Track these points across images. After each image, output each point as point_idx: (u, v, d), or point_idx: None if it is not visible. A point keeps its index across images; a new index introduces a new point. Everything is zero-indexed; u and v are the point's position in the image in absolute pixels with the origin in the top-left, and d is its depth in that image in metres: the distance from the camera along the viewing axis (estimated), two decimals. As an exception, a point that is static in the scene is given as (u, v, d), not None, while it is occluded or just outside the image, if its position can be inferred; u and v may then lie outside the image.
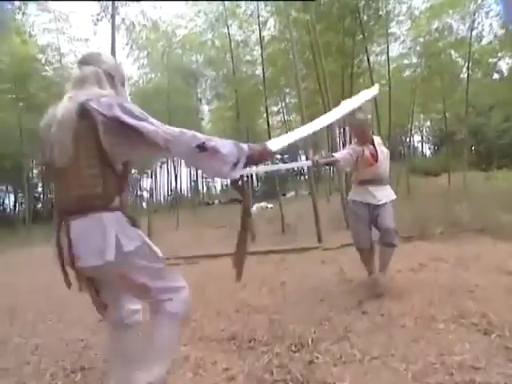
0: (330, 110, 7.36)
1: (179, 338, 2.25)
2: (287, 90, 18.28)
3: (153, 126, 1.18)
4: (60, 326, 2.89)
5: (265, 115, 16.77)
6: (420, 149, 34.68)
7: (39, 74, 14.39)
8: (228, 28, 8.54)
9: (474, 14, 9.89)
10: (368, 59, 8.82)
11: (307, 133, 1.76)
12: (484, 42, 11.17)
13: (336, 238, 6.03)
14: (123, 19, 11.85)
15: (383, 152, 2.98)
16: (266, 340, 2.11)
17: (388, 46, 9.74)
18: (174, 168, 25.24)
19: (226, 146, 1.24)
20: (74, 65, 15.34)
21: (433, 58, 10.99)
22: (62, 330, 2.76)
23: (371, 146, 2.94)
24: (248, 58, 12.78)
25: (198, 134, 1.21)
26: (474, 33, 10.39)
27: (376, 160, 2.91)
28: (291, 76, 13.05)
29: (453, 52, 11.64)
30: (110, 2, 6.49)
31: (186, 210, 17.45)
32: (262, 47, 8.62)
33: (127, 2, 9.51)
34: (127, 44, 12.57)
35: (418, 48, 11.34)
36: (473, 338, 1.84)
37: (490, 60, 12.18)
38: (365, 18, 8.21)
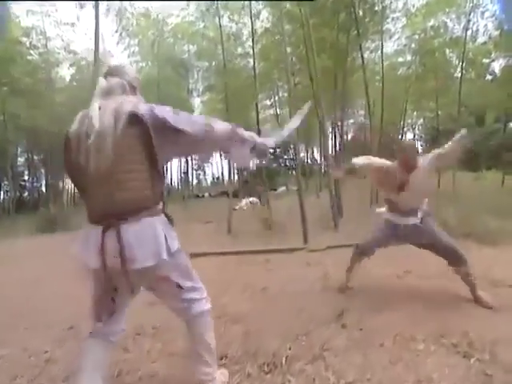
0: (320, 106, 7.35)
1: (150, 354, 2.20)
2: (280, 84, 18.12)
3: (200, 125, 1.28)
4: (28, 333, 2.74)
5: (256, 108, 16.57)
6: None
7: (23, 58, 13.87)
8: (219, 19, 8.27)
9: (470, 14, 9.79)
10: (362, 56, 8.66)
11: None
12: (478, 42, 11.11)
13: (323, 238, 5.97)
14: (108, 6, 11.56)
15: (422, 183, 2.61)
16: (238, 357, 2.01)
17: (382, 43, 9.63)
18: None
19: (249, 134, 1.43)
20: (61, 50, 14.96)
21: (427, 56, 10.90)
22: (29, 337, 2.63)
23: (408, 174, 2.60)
24: (240, 50, 12.57)
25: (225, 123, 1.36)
26: (468, 33, 10.33)
27: (402, 189, 2.62)
28: (284, 70, 12.92)
29: (448, 51, 11.56)
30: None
31: (176, 202, 17.24)
32: (253, 40, 8.40)
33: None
34: (116, 31, 12.20)
35: (413, 46, 11.24)
36: (452, 362, 1.77)
37: (483, 60, 12.16)
38: (360, 13, 8.03)
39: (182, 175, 26.37)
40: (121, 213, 1.22)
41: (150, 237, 1.23)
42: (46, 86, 14.33)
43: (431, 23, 10.24)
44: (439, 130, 15.10)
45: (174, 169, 24.19)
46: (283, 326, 2.42)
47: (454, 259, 2.63)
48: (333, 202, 6.50)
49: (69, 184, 28.45)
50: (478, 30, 10.25)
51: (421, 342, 1.99)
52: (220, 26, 8.16)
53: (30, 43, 14.21)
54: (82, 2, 6.86)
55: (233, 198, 13.76)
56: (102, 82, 1.39)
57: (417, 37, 10.72)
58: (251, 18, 7.89)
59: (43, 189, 23.10)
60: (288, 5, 7.47)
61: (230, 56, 11.81)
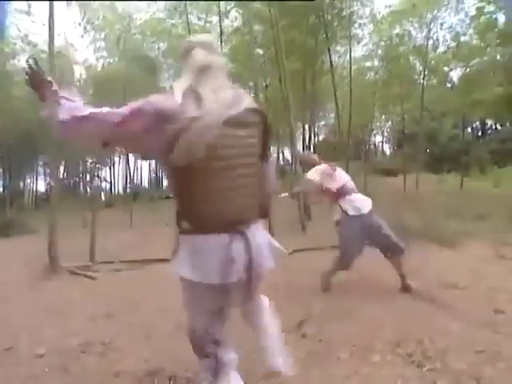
0: (289, 108, 7.34)
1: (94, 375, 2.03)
2: (251, 85, 18.11)
3: None
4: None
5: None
6: (381, 148, 36.20)
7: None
8: (187, 17, 8.05)
9: (430, 24, 10.24)
10: (330, 59, 8.79)
11: None
12: (439, 51, 11.66)
13: (291, 242, 5.94)
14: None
15: None
16: (187, 378, 1.88)
17: (350, 48, 9.82)
18: (135, 159, 24.14)
19: None
20: (17, 40, 13.96)
21: (393, 62, 11.28)
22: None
23: None
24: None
25: None
26: (430, 42, 10.80)
27: None
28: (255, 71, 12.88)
29: (411, 58, 12.03)
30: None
31: (145, 203, 16.73)
32: (221, 40, 8.25)
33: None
34: (80, 24, 11.60)
35: (380, 52, 11.58)
36: (406, 373, 1.75)
37: (444, 69, 12.78)
38: (329, 17, 8.14)
39: (153, 175, 25.73)
40: (246, 217, 1.12)
41: (266, 239, 1.21)
42: (2, 79, 13.35)
43: (396, 31, 10.63)
44: (405, 133, 15.71)
45: (145, 169, 23.49)
46: (239, 338, 2.32)
47: (392, 249, 2.94)
48: (300, 204, 6.49)
49: (31, 185, 26.90)
50: (438, 40, 10.82)
51: (377, 353, 1.97)
52: (188, 24, 7.94)
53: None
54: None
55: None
56: (200, 55, 1.12)
57: (383, 43, 11.07)
58: (219, 17, 7.74)
59: (0, 190, 21.58)
60: (258, 5, 7.41)
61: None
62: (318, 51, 8.61)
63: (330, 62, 8.75)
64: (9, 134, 14.09)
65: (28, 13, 12.51)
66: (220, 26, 8.13)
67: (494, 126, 25.20)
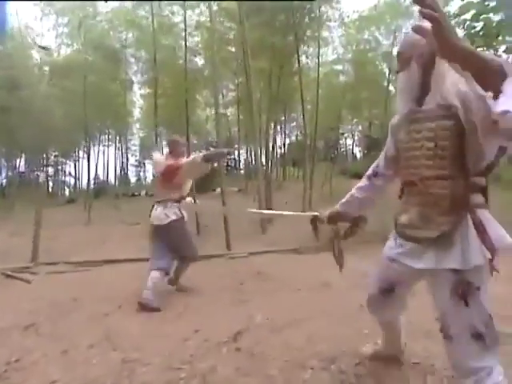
0: (251, 107, 7.20)
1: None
2: (224, 83, 17.89)
3: None
4: None
5: (203, 105, 16.11)
6: (351, 152, 37.02)
7: None
8: (152, 9, 7.69)
9: (395, 32, 10.49)
10: (298, 60, 8.74)
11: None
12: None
13: (249, 244, 5.82)
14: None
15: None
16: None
17: (319, 50, 9.83)
18: (103, 153, 23.11)
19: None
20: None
21: (361, 67, 11.44)
22: None
23: None
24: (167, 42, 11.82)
25: None
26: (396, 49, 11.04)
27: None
28: (229, 68, 12.63)
29: (380, 64, 12.30)
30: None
31: (109, 200, 15.97)
32: (185, 34, 7.96)
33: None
34: (35, 5, 10.79)
35: (350, 56, 11.73)
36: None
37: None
38: (297, 17, 8.06)
39: (122, 171, 24.73)
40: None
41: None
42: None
43: (365, 36, 10.79)
44: (372, 137, 16.06)
45: (111, 165, 22.50)
46: (168, 351, 2.12)
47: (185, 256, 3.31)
48: (261, 205, 6.36)
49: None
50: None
51: (308, 370, 1.83)
52: (152, 15, 7.57)
53: None
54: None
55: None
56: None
57: (352, 47, 11.21)
58: (185, 11, 7.46)
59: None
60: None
61: (167, 50, 11.21)
62: (286, 52, 8.50)
63: (298, 62, 8.69)
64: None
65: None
66: (185, 18, 7.84)
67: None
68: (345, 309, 2.68)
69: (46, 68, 12.84)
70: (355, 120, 22.42)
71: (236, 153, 23.44)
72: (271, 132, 14.62)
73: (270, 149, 25.51)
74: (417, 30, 0.78)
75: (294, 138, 27.93)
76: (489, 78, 0.75)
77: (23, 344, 2.33)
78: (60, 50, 13.32)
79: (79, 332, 2.46)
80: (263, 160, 12.26)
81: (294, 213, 2.21)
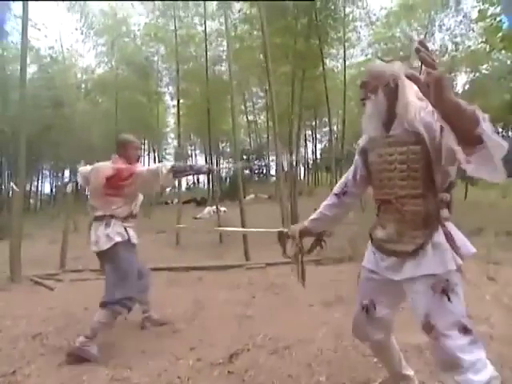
0: (274, 114, 7.06)
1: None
2: (254, 90, 18.03)
3: None
4: None
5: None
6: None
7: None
8: (174, 21, 7.90)
9: (427, 27, 9.82)
10: (323, 63, 8.48)
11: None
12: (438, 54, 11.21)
13: (269, 254, 5.63)
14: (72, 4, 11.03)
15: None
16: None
17: (344, 51, 9.46)
18: (140, 163, 24.21)
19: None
20: (18, 45, 14.07)
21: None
22: None
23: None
24: (213, 53, 12.22)
25: None
26: (430, 45, 10.34)
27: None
28: (260, 75, 12.63)
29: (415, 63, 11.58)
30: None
31: (143, 209, 16.56)
32: (206, 44, 8.07)
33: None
34: (77, 29, 11.63)
35: (379, 55, 11.20)
36: None
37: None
38: (320, 19, 7.83)
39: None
40: None
41: None
42: (3, 85, 13.53)
43: (395, 33, 10.24)
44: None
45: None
46: (159, 373, 2.02)
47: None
48: (284, 212, 6.10)
49: (36, 188, 27.24)
50: (435, 43, 10.33)
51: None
52: (175, 27, 7.78)
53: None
54: None
55: (200, 206, 13.14)
56: None
57: (383, 46, 10.68)
58: (205, 21, 7.57)
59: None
60: (245, 7, 7.21)
61: (193, 60, 11.52)
62: (312, 55, 8.27)
63: (323, 65, 8.43)
64: (10, 138, 14.22)
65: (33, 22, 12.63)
66: (205, 28, 7.96)
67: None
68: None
69: (85, 86, 13.81)
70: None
71: (266, 159, 23.36)
72: (302, 137, 14.36)
73: (303, 154, 25.45)
74: (411, 77, 0.84)
75: (325, 143, 27.37)
76: (466, 123, 0.83)
77: (25, 354, 2.36)
78: (97, 68, 14.23)
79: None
80: (289, 166, 12.03)
81: (261, 229, 2.12)
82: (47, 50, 14.76)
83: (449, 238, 1.21)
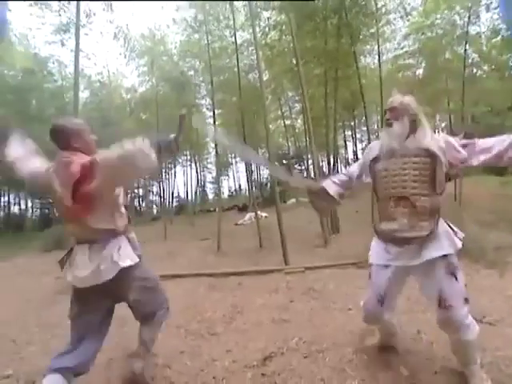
0: (307, 117, 7.03)
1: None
2: (290, 94, 18.01)
3: None
4: None
5: (268, 118, 16.44)
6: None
7: (40, 86, 14.66)
8: (207, 36, 8.23)
9: (470, 9, 9.05)
10: (356, 61, 8.24)
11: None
12: (486, 36, 10.30)
13: (308, 258, 5.58)
14: (117, 30, 11.98)
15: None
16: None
17: (379, 47, 9.08)
18: (184, 173, 25.32)
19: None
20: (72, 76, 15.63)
21: (434, 56, 10.22)
22: None
23: None
24: (245, 62, 12.54)
25: None
26: (477, 28, 9.56)
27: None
28: (293, 80, 12.66)
29: (458, 48, 10.74)
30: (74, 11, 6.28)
31: (187, 217, 17.24)
32: (237, 54, 8.27)
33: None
34: (121, 53, 12.61)
35: (417, 46, 10.60)
36: None
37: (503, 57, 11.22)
38: (348, 16, 7.63)
39: (199, 189, 26.66)
40: None
41: None
42: (63, 111, 15.05)
43: (435, 20, 9.59)
44: (454, 132, 14.04)
45: (193, 182, 24.44)
46: (196, 373, 2.11)
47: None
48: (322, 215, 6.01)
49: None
50: (482, 24, 9.50)
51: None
52: (207, 40, 8.09)
53: (47, 71, 15.03)
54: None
55: (241, 212, 13.32)
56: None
57: (420, 37, 10.09)
58: (234, 33, 7.78)
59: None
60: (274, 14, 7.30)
61: (229, 70, 11.86)
62: (340, 53, 8.10)
63: (356, 63, 8.20)
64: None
65: (86, 53, 13.99)
66: (235, 39, 8.18)
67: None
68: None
69: (130, 105, 14.93)
70: (437, 115, 20.10)
71: (306, 163, 23.09)
72: (341, 138, 14.02)
73: (343, 155, 24.83)
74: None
75: (366, 142, 26.36)
76: None
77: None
78: (140, 87, 15.29)
79: (121, 346, 2.61)
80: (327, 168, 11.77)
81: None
82: (97, 75, 16.33)
83: (449, 225, 1.70)
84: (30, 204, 22.25)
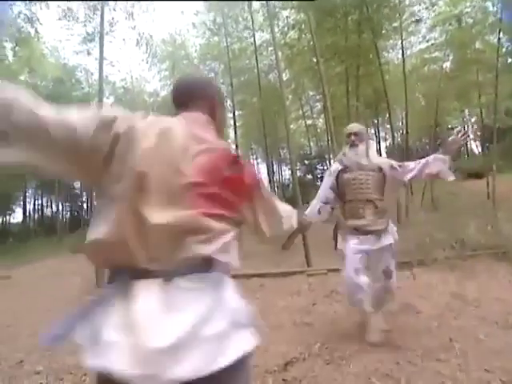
0: (329, 116, 6.87)
1: None
2: (312, 94, 17.75)
3: None
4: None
5: (289, 118, 16.31)
6: (466, 147, 31.38)
7: (69, 94, 15.34)
8: (226, 38, 8.27)
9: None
10: (378, 57, 7.97)
11: None
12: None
13: (329, 259, 5.44)
14: (139, 36, 12.32)
15: None
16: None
17: (402, 41, 8.75)
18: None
19: None
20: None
21: (464, 47, 9.72)
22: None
23: None
24: (265, 63, 12.53)
25: None
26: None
27: None
28: (312, 79, 12.53)
29: (490, 37, 10.13)
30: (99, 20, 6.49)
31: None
32: (256, 55, 8.25)
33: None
34: (143, 60, 12.97)
35: (443, 38, 10.12)
36: None
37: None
38: (369, 10, 7.39)
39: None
40: None
41: None
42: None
43: (466, 9, 9.10)
44: (490, 127, 13.30)
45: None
46: None
47: None
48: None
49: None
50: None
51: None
52: (227, 42, 8.14)
53: (75, 80, 15.70)
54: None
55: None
56: None
57: (447, 27, 9.62)
58: (253, 34, 7.76)
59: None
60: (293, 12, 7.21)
61: (250, 71, 11.88)
62: (362, 50, 7.88)
63: (378, 59, 7.94)
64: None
65: (108, 60, 14.49)
66: (254, 40, 8.16)
67: None
68: (420, 341, 2.20)
69: (152, 108, 15.29)
70: (466, 110, 19.22)
71: (328, 163, 22.68)
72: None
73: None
74: None
75: (391, 140, 25.54)
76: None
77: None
78: (162, 91, 15.63)
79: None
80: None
81: None
82: (121, 81, 16.87)
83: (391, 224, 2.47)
84: (60, 207, 23.21)
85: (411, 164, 2.31)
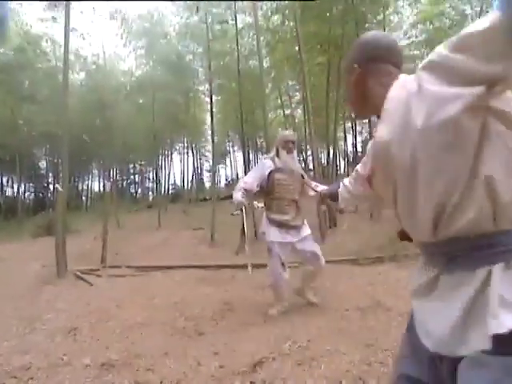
0: (308, 106, 6.75)
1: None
2: (291, 83, 17.56)
3: None
4: None
5: (268, 107, 16.03)
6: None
7: (33, 65, 14.16)
8: (206, 17, 7.86)
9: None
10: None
11: None
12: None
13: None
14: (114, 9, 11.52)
15: None
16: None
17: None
18: (180, 161, 24.95)
19: None
20: (70, 55, 15.09)
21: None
22: None
23: None
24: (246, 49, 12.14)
25: None
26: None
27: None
28: (293, 68, 12.30)
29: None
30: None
31: (183, 205, 17.02)
32: (237, 39, 7.92)
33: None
34: (117, 34, 12.18)
35: (425, 36, 10.24)
36: None
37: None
38: (355, 1, 7.28)
39: (196, 177, 26.33)
40: None
41: None
42: (57, 92, 14.59)
43: (445, 9, 9.22)
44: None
45: (189, 170, 24.13)
46: (178, 380, 1.94)
47: None
48: (319, 209, 5.82)
49: (87, 186, 29.33)
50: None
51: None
52: (207, 25, 7.75)
53: (40, 50, 14.48)
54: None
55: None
56: None
57: (430, 26, 9.72)
58: (235, 16, 7.43)
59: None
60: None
61: (230, 55, 11.48)
62: (345, 42, 7.77)
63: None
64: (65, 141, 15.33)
65: (76, 31, 13.43)
66: (235, 23, 7.83)
67: None
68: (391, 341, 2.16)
69: (126, 88, 14.52)
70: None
71: (305, 154, 22.74)
72: (341, 130, 13.72)
73: (343, 147, 24.51)
74: None
75: (366, 135, 25.98)
76: None
77: (54, 351, 2.41)
78: (137, 70, 14.83)
79: (104, 345, 2.46)
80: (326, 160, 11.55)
81: None
82: (93, 57, 15.76)
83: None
84: (23, 187, 21.86)
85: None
